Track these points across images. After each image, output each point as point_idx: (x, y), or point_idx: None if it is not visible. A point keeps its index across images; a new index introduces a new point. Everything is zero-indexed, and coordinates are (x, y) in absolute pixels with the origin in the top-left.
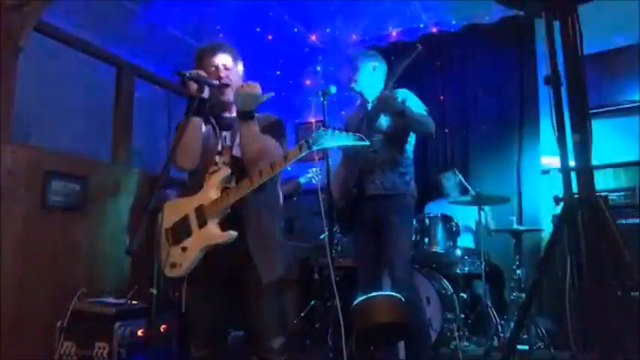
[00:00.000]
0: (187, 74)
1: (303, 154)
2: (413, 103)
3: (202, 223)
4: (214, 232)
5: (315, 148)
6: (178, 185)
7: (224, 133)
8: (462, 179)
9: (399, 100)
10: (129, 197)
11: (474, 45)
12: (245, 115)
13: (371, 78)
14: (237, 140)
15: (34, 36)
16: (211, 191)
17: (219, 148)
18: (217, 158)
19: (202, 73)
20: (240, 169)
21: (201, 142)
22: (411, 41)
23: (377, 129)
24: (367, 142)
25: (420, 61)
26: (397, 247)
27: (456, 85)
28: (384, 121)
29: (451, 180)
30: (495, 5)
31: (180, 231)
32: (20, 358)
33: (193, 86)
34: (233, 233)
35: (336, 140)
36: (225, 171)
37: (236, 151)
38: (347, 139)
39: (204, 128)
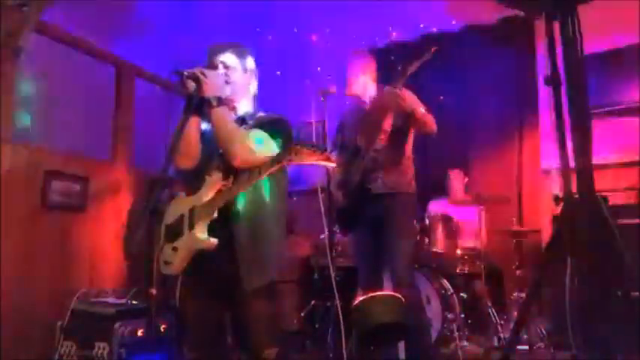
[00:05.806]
0: (185, 73)
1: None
2: (411, 101)
3: (191, 225)
4: (199, 237)
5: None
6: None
7: None
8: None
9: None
10: (129, 197)
11: (473, 45)
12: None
13: (362, 78)
14: None
15: (35, 36)
16: (206, 193)
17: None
18: (219, 160)
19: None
20: (237, 172)
21: (201, 141)
22: (411, 41)
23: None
24: (334, 164)
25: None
26: (399, 247)
27: (456, 85)
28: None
29: (458, 179)
30: (495, 5)
31: (175, 230)
32: (20, 358)
33: (191, 85)
34: (213, 241)
35: (301, 159)
36: (219, 175)
37: None
38: (315, 159)
39: (204, 127)
